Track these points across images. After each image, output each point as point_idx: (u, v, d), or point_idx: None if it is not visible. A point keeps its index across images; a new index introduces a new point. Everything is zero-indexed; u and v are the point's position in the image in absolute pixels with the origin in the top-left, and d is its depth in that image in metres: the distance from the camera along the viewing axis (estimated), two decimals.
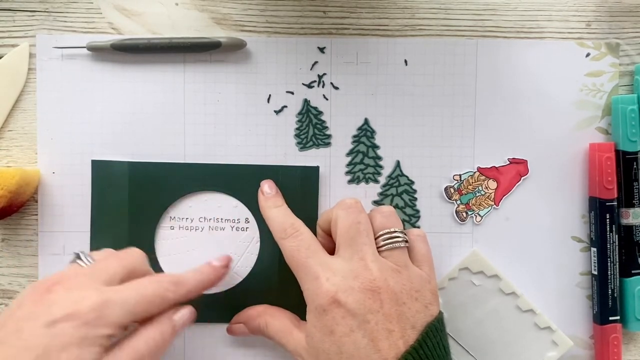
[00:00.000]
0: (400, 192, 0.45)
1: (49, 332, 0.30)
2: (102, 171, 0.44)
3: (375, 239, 0.38)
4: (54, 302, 0.31)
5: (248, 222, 0.45)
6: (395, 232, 0.38)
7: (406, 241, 0.39)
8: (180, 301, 0.36)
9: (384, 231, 0.38)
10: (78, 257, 0.36)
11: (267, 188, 0.43)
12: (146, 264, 0.38)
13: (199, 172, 0.44)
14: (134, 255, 0.38)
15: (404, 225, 0.42)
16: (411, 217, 0.45)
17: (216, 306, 0.44)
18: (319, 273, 0.36)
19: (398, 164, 0.45)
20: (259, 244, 0.44)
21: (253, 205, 0.44)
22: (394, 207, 0.44)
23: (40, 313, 0.31)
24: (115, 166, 0.44)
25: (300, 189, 0.44)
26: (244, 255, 0.45)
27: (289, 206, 0.43)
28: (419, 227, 0.45)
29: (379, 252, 0.38)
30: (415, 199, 0.45)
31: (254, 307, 0.43)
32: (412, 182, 0.45)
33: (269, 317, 0.41)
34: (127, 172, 0.44)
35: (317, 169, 0.45)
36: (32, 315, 0.31)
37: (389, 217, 0.39)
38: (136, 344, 0.33)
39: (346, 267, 0.36)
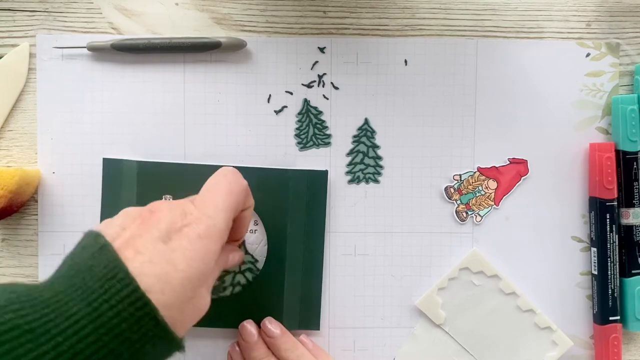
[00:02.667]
0: (243, 270, 0.45)
1: (168, 247, 0.30)
2: (112, 169, 0.44)
3: None
4: (160, 219, 0.31)
5: (257, 224, 0.45)
6: None
7: None
8: (247, 192, 0.37)
9: None
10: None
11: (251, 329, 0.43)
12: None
13: (208, 173, 0.44)
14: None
15: None
16: None
17: (223, 310, 0.44)
18: None
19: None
20: (267, 246, 0.44)
21: (262, 208, 0.44)
22: (236, 284, 0.44)
23: (151, 229, 0.31)
24: (125, 165, 0.44)
25: (309, 192, 0.44)
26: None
27: (297, 210, 0.44)
28: None
29: None
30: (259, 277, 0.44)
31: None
32: (257, 261, 0.44)
33: None
34: (135, 171, 0.43)
35: (325, 173, 0.44)
36: (143, 232, 0.31)
37: None
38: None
39: None
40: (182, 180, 0.43)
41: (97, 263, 0.29)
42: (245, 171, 0.43)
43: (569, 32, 0.45)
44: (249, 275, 0.44)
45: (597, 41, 0.45)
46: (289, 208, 0.44)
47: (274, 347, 0.42)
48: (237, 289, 0.44)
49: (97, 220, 0.44)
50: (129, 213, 0.33)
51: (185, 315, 0.31)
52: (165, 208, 0.32)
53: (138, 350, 0.28)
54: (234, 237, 0.39)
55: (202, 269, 0.31)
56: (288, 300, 0.44)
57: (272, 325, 0.42)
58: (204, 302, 0.33)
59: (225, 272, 0.44)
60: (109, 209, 0.44)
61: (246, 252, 0.44)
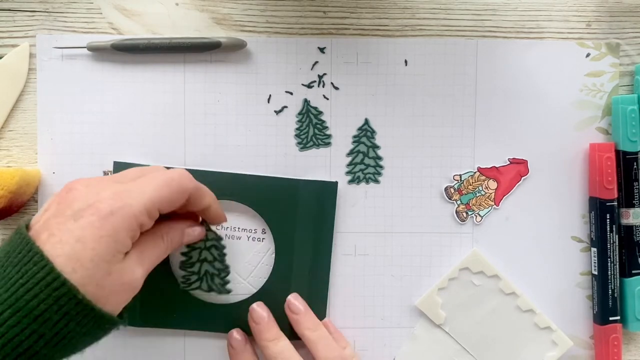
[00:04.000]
0: (208, 247, 0.44)
1: (78, 225, 0.31)
2: None
3: None
4: (75, 198, 0.32)
5: (264, 232, 0.45)
6: None
7: None
8: (195, 196, 0.37)
9: None
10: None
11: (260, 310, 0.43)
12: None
13: (222, 180, 0.43)
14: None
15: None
16: (220, 272, 0.44)
17: (227, 316, 0.44)
18: None
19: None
20: (274, 255, 0.44)
21: (270, 216, 0.44)
22: (203, 260, 0.44)
23: (65, 209, 0.31)
24: None
25: (318, 203, 0.44)
26: (258, 266, 0.45)
27: (305, 221, 0.44)
28: (229, 282, 0.44)
29: None
30: (225, 254, 0.44)
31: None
32: (220, 238, 0.44)
33: None
34: None
35: (335, 184, 0.44)
36: (58, 212, 0.31)
37: None
38: (145, 247, 0.35)
39: None
40: None
41: (12, 249, 0.30)
42: (254, 179, 0.44)
43: (569, 32, 0.45)
44: (215, 253, 0.44)
45: (597, 41, 0.45)
46: (298, 218, 0.44)
47: (297, 324, 0.42)
48: (205, 266, 0.44)
49: None
50: (54, 194, 0.34)
51: (108, 291, 0.31)
52: (81, 186, 0.33)
53: (61, 330, 0.29)
54: (214, 224, 0.41)
55: (112, 246, 0.31)
56: None
57: (297, 301, 0.43)
58: (130, 277, 0.33)
59: (191, 248, 0.44)
60: None
61: (208, 229, 0.43)
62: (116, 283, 0.32)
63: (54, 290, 0.29)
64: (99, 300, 0.30)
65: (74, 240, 0.30)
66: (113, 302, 0.32)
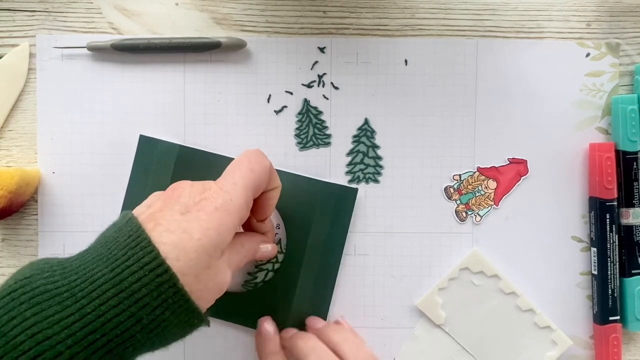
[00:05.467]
0: (276, 269, 0.44)
1: (185, 218, 0.32)
2: (148, 148, 0.44)
3: None
4: (181, 195, 0.33)
5: (278, 228, 0.45)
6: None
7: None
8: (272, 174, 0.38)
9: None
10: None
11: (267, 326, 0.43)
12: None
13: None
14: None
15: None
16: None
17: (233, 306, 0.44)
18: None
19: None
20: (284, 251, 0.44)
21: (287, 214, 0.44)
22: (267, 282, 0.44)
23: (172, 204, 0.32)
24: (164, 146, 0.44)
25: (335, 207, 0.44)
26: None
27: (320, 222, 0.44)
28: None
29: None
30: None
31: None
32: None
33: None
34: (175, 154, 0.44)
35: (355, 190, 0.45)
36: (165, 207, 0.32)
37: None
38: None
39: None
40: (220, 170, 0.43)
41: (121, 234, 0.31)
42: (282, 175, 0.43)
43: (569, 32, 0.45)
44: (270, 275, 0.44)
45: (597, 41, 0.45)
46: (314, 219, 0.44)
47: (322, 334, 0.42)
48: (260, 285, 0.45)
49: (96, 219, 0.44)
50: (154, 194, 0.35)
51: (203, 285, 0.31)
52: (186, 185, 0.34)
53: (158, 317, 0.29)
54: (258, 216, 0.39)
55: (216, 239, 0.32)
56: (296, 306, 0.44)
57: (316, 320, 0.44)
58: (223, 277, 0.34)
59: (259, 269, 0.44)
60: (136, 188, 0.44)
61: (281, 251, 0.44)
62: (211, 279, 0.32)
63: (157, 277, 0.29)
64: (192, 293, 0.31)
65: (180, 230, 0.31)
66: (203, 299, 0.32)
